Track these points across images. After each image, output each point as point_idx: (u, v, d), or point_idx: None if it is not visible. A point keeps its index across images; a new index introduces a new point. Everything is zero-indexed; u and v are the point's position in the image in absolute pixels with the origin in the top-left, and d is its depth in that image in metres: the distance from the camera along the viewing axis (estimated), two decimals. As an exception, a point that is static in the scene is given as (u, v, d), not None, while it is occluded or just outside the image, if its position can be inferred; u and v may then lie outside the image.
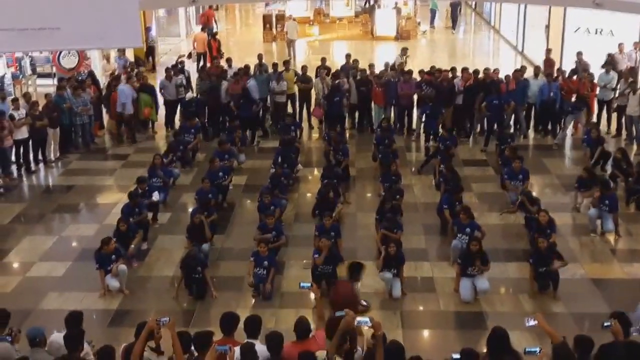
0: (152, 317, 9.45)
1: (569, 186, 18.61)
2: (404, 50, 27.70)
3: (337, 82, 23.30)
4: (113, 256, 14.10)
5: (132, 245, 15.20)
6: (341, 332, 8.97)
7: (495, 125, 22.14)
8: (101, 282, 14.04)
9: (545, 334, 9.57)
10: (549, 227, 14.86)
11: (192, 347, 9.43)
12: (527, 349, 8.59)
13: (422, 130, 22.63)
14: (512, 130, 22.01)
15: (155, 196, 17.24)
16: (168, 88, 23.71)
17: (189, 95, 23.38)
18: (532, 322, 8.95)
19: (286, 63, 24.81)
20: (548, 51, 25.73)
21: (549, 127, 23.10)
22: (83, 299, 13.86)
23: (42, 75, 29.15)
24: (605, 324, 9.35)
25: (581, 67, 23.84)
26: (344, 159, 19.47)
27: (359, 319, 8.88)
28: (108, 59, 27.65)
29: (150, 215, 16.92)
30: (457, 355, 8.87)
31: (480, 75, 23.11)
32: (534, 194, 16.99)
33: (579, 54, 24.64)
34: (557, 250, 13.90)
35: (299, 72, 24.33)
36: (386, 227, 15.25)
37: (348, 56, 26.12)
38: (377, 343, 8.71)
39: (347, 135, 22.74)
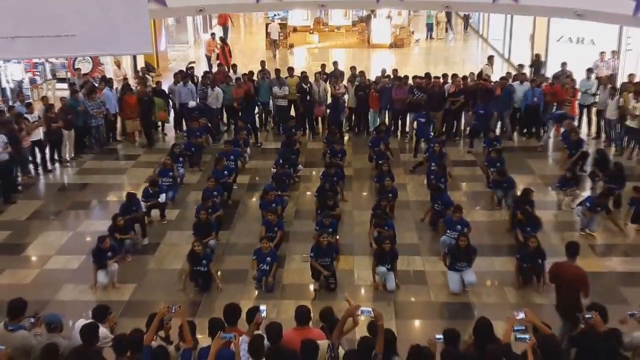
0: (163, 305, 9.49)
1: (552, 185, 18.69)
2: (491, 59, 27.54)
3: (338, 91, 23.47)
4: (109, 253, 14.11)
5: (128, 241, 15.34)
6: (344, 319, 9.06)
7: (482, 133, 22.23)
8: (93, 277, 14.04)
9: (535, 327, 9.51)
10: (529, 226, 14.98)
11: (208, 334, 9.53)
12: (518, 336, 8.59)
13: (414, 134, 22.67)
14: (498, 133, 22.04)
15: (162, 198, 17.33)
16: (183, 92, 23.54)
17: (192, 103, 23.29)
18: (521, 316, 8.95)
19: (290, 70, 24.83)
20: (520, 66, 25.76)
21: (533, 130, 23.20)
22: (96, 291, 13.90)
23: (59, 80, 29.21)
24: (587, 316, 9.39)
25: (564, 75, 23.86)
26: (341, 159, 19.58)
27: (362, 308, 8.97)
28: (119, 65, 27.67)
29: (157, 213, 17.20)
30: (440, 336, 9.01)
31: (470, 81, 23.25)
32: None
33: (564, 64, 24.62)
34: (542, 249, 13.87)
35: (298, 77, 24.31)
36: (377, 224, 15.37)
37: (335, 64, 26.34)
38: (379, 332, 8.76)
39: (345, 138, 22.91)
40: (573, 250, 12.03)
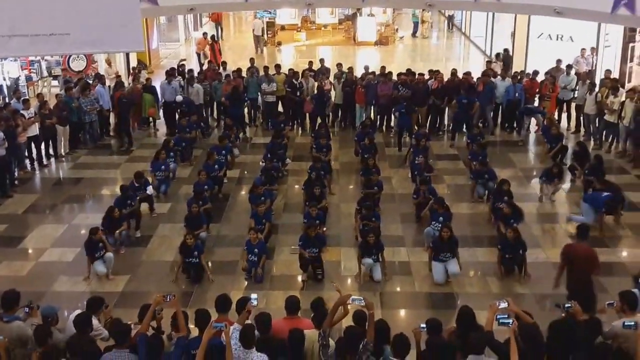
0: (158, 294, 9.48)
1: (532, 178, 18.80)
2: (499, 56, 27.27)
3: (323, 85, 23.51)
4: (100, 244, 14.07)
5: (118, 232, 15.25)
6: (336, 308, 9.07)
7: (465, 126, 22.42)
8: (87, 268, 14.05)
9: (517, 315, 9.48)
10: (512, 217, 14.98)
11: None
12: (501, 320, 8.58)
13: (396, 127, 22.74)
14: (481, 127, 22.09)
15: (149, 190, 17.27)
16: (167, 90, 23.55)
17: (179, 97, 23.24)
18: (503, 305, 8.95)
19: (277, 67, 24.83)
20: (488, 63, 25.83)
21: (514, 124, 23.24)
22: (91, 282, 13.90)
23: (54, 77, 29.10)
24: (567, 306, 9.43)
25: (552, 71, 23.81)
26: (325, 154, 19.52)
27: (353, 297, 9.00)
28: (110, 64, 27.57)
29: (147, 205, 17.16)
30: (424, 325, 9.06)
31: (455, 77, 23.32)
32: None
33: (559, 61, 24.59)
34: (523, 240, 13.88)
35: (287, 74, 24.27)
36: (364, 217, 15.34)
37: (322, 61, 26.51)
38: (370, 320, 8.79)
39: (330, 132, 22.85)
40: (584, 232, 12.41)
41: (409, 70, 24.09)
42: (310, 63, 25.65)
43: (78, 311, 9.97)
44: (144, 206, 17.08)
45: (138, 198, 16.77)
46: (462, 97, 22.05)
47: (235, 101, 23.12)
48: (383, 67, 24.54)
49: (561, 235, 15.79)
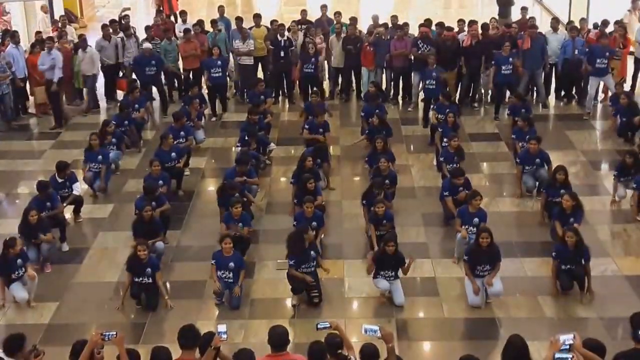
0: (95, 331, 9.50)
1: (597, 164, 18.97)
2: (636, 2, 25.96)
3: (318, 45, 23.53)
4: (19, 260, 13.99)
5: (46, 245, 15.11)
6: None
7: (508, 91, 22.44)
8: (1, 292, 13.98)
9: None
10: (572, 215, 15.01)
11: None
12: (556, 355, 8.63)
13: (420, 99, 22.88)
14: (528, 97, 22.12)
15: (77, 189, 17.16)
16: (106, 50, 23.60)
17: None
18: (567, 339, 8.90)
19: (257, 17, 24.84)
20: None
21: (574, 92, 23.28)
22: (6, 312, 13.87)
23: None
24: None
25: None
26: (323, 135, 19.63)
27: (365, 326, 9.03)
28: (47, 12, 27.48)
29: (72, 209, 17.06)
30: None
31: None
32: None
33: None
34: (587, 249, 13.82)
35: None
36: (374, 219, 15.27)
37: (324, 7, 26.23)
38: (389, 357, 8.86)
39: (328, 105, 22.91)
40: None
41: (428, 20, 24.10)
42: (304, 12, 25.62)
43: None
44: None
45: (61, 198, 16.63)
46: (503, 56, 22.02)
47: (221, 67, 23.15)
48: (394, 17, 24.54)
49: (636, 240, 15.89)
